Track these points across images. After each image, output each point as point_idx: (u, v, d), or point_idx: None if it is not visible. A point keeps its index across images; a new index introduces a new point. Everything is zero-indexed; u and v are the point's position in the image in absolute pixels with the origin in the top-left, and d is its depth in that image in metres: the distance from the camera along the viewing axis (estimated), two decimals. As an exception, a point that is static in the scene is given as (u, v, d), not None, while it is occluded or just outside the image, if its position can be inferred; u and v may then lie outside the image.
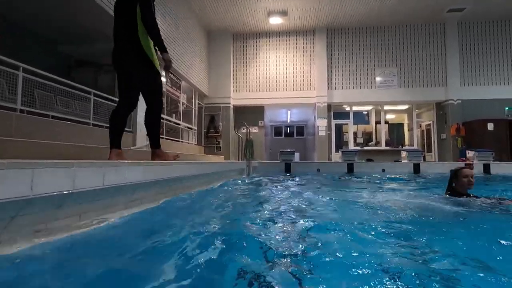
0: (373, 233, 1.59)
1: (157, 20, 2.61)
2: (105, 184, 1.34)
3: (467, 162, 7.36)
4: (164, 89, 7.26)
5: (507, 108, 10.46)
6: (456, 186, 2.70)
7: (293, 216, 2.04)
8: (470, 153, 7.83)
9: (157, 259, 1.12)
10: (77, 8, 5.46)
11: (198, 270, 1.04)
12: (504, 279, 1.01)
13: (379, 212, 2.27)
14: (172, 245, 1.28)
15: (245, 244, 1.38)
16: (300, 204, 2.55)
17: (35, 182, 0.98)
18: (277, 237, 1.51)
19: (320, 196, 2.98)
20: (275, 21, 10.80)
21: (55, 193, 1.07)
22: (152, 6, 2.53)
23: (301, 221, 1.83)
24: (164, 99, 7.86)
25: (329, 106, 11.49)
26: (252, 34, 11.81)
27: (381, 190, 3.88)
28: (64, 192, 1.09)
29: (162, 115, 6.62)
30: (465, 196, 2.66)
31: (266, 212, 2.21)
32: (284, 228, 1.69)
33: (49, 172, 1.04)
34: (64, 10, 5.64)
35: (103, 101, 5.82)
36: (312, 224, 1.76)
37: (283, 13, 10.31)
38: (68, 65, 7.46)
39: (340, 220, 1.92)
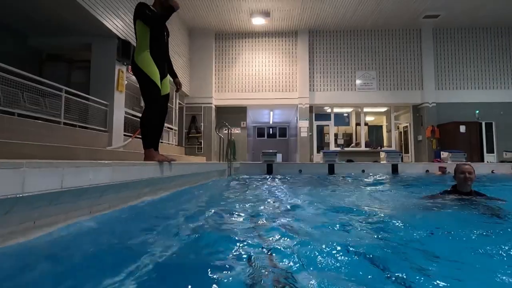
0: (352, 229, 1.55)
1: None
2: (63, 186, 1.20)
3: (441, 165, 7.63)
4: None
5: (477, 111, 11.00)
6: (456, 183, 2.65)
7: (272, 217, 1.97)
8: (444, 154, 8.14)
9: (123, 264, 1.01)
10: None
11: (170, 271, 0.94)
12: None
13: (360, 211, 2.25)
14: (142, 249, 1.17)
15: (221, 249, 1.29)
16: (279, 204, 2.49)
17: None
18: (256, 237, 1.43)
19: (301, 198, 2.93)
20: (258, 21, 10.77)
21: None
22: (148, 15, 2.65)
23: (281, 222, 1.77)
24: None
25: (311, 108, 11.60)
26: (235, 34, 11.72)
27: (361, 191, 3.90)
28: (9, 196, 0.95)
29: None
30: (457, 195, 2.59)
31: (241, 213, 2.13)
32: (263, 228, 1.62)
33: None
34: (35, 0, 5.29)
35: (75, 98, 5.50)
36: (293, 227, 1.69)
37: (266, 14, 10.29)
38: (39, 60, 7.03)
39: (325, 221, 1.87)
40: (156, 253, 1.17)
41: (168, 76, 3.06)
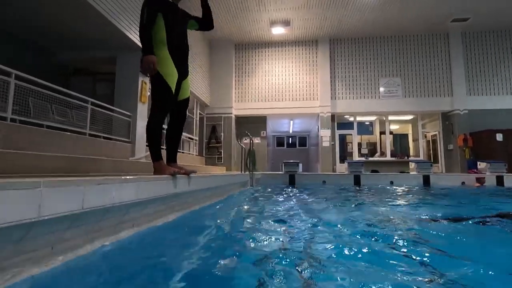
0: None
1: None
2: (84, 207, 1.08)
3: (479, 175, 7.05)
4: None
5: (514, 118, 10.23)
6: None
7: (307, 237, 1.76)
8: (481, 165, 7.53)
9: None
10: (77, 15, 5.31)
11: None
12: None
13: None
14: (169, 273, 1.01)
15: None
16: (314, 222, 2.27)
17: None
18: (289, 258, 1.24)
19: (342, 215, 2.69)
20: (278, 31, 10.73)
21: (13, 223, 0.81)
22: (145, 13, 2.47)
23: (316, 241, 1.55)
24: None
25: (333, 116, 11.28)
26: (255, 43, 11.73)
27: (408, 208, 3.58)
28: (26, 221, 0.83)
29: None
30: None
31: (276, 231, 1.93)
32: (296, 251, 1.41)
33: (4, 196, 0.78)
34: (64, 18, 5.50)
35: (101, 110, 5.60)
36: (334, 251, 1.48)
37: (286, 23, 10.24)
38: (66, 73, 7.30)
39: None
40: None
41: (189, 79, 2.73)
